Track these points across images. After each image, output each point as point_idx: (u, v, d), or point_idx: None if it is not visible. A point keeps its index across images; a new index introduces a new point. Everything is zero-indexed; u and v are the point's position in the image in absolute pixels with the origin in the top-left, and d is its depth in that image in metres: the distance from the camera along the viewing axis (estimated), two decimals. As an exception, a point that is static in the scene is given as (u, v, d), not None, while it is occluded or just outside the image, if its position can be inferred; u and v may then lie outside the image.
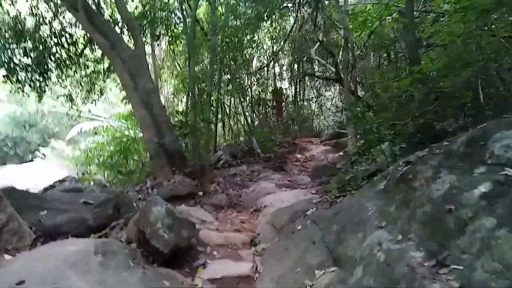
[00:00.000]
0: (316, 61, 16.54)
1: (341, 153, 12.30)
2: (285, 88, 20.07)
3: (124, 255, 3.30)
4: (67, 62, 11.34)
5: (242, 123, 17.65)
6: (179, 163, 7.14)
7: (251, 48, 16.57)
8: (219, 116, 17.18)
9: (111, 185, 7.94)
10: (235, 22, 12.67)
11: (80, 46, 11.34)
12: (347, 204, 3.66)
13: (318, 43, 12.34)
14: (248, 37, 14.77)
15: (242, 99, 14.79)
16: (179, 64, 16.62)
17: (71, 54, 11.27)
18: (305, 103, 18.89)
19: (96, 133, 13.68)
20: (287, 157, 12.48)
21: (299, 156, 13.08)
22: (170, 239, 3.60)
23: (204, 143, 7.10)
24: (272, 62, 15.23)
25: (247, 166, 9.84)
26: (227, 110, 17.64)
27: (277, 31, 18.05)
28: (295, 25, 12.95)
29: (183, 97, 16.03)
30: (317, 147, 14.68)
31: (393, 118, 5.64)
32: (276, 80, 19.68)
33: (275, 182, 7.60)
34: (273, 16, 13.79)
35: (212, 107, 8.65)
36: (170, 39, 11.54)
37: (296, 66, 19.85)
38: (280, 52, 15.22)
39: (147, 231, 3.61)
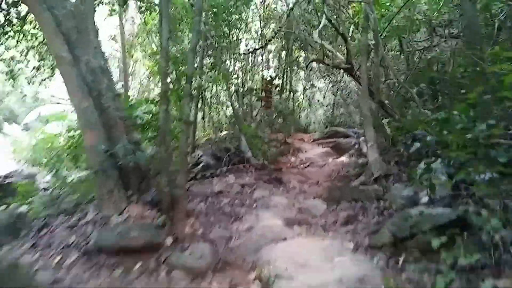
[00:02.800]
0: (314, 47, 13.89)
1: (343, 159, 9.83)
2: (271, 77, 17.40)
3: None
4: (6, 28, 8.29)
5: (226, 114, 14.92)
6: (137, 185, 4.42)
7: (238, 29, 13.78)
8: (199, 105, 14.40)
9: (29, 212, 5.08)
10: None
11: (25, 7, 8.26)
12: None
13: (321, 24, 9.65)
14: (236, 15, 12.01)
15: (227, 87, 11.97)
16: (155, 42, 13.63)
17: (11, 18, 8.22)
18: (293, 95, 16.18)
19: (48, 121, 10.63)
20: (280, 160, 9.87)
21: (293, 159, 10.51)
22: None
23: (180, 156, 4.34)
24: (264, 46, 12.39)
25: (235, 177, 7.17)
26: (209, 99, 14.85)
27: (268, 11, 15.33)
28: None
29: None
30: (312, 147, 12.14)
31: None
32: (263, 68, 16.95)
33: (280, 215, 4.96)
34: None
35: (192, 98, 5.88)
36: (141, 3, 8.57)
37: (284, 53, 17.21)
38: (271, 36, 12.37)
39: None
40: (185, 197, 4.35)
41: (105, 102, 4.52)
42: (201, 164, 8.75)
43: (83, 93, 4.39)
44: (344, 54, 9.17)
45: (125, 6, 9.33)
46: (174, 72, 7.74)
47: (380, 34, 8.03)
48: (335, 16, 9.32)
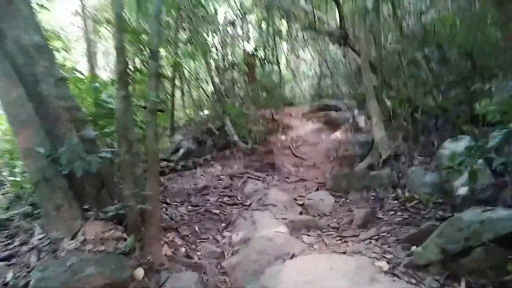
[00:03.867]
0: (298, 16, 12.59)
1: (338, 134, 8.82)
2: (255, 50, 16.06)
3: None
4: None
5: (207, 91, 13.64)
6: (95, 196, 3.30)
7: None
8: (177, 82, 13.06)
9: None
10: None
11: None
12: None
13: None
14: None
15: (206, 62, 10.68)
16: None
17: None
18: (278, 68, 14.93)
19: None
20: (270, 140, 8.81)
21: (283, 138, 9.45)
22: None
23: (149, 156, 3.20)
24: (244, 16, 11.03)
25: (222, 166, 6.10)
26: (188, 75, 13.52)
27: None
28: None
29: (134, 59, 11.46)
30: (302, 122, 11.07)
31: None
32: (244, 40, 15.58)
33: (281, 216, 3.93)
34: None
35: (160, 78, 4.60)
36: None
37: (265, 23, 15.83)
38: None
39: None
40: (158, 207, 3.25)
41: (44, 90, 3.31)
42: (181, 151, 7.65)
43: (11, 79, 3.17)
44: (336, 21, 8.02)
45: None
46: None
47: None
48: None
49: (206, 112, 12.15)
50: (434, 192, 4.05)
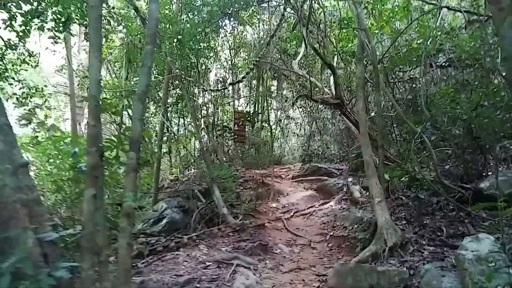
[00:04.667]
0: (289, 77, 12.51)
1: (332, 204, 8.24)
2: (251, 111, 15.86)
3: None
4: None
5: (194, 149, 13.09)
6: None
7: (207, 59, 12.19)
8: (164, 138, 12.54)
9: None
10: (190, 16, 8.24)
11: None
12: None
13: (301, 53, 8.23)
14: (205, 44, 10.46)
15: (195, 122, 10.21)
16: (114, 73, 11.77)
17: None
18: (268, 126, 14.56)
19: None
20: (260, 210, 8.16)
21: (274, 205, 8.83)
22: None
23: (122, 273, 2.49)
24: (240, 80, 10.78)
25: (208, 248, 5.38)
26: (175, 132, 13.04)
27: (239, 39, 13.90)
28: (280, 24, 8.59)
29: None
30: (293, 187, 10.52)
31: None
32: (234, 98, 15.40)
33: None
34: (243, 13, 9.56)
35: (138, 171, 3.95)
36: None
37: (255, 82, 15.78)
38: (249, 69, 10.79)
39: None
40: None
41: (-1, 179, 2.69)
42: (164, 221, 6.92)
43: None
44: (329, 88, 7.75)
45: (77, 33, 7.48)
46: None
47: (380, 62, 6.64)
48: (318, 45, 7.88)
49: (193, 171, 11.54)
50: (457, 304, 3.43)
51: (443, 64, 9.14)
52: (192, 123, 13.15)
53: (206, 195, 7.77)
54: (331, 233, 6.31)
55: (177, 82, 9.11)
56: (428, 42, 7.11)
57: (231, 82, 8.81)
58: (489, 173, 6.73)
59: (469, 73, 8.84)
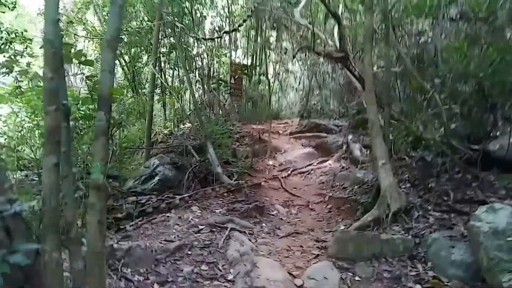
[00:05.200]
0: (289, 28, 11.68)
1: (331, 162, 7.89)
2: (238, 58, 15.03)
3: None
4: None
5: (189, 102, 12.53)
6: None
7: (202, 5, 11.28)
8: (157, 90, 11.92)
9: None
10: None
11: None
12: None
13: (304, 1, 7.45)
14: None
15: (187, 72, 9.52)
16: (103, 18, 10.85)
17: None
18: (266, 80, 13.88)
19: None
20: (257, 168, 7.83)
21: (271, 163, 8.49)
22: None
23: (93, 257, 2.11)
24: (235, 29, 9.97)
25: (201, 210, 5.06)
26: (169, 84, 12.40)
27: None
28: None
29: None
30: (290, 143, 10.14)
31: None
32: (231, 49, 14.55)
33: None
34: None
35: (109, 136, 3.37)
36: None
37: (254, 32, 14.85)
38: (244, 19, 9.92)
39: None
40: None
41: None
42: (156, 178, 6.59)
43: None
44: (333, 40, 7.08)
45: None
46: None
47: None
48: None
49: (188, 124, 11.06)
50: (467, 278, 3.14)
51: (454, 17, 8.43)
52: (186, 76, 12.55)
53: (201, 152, 7.37)
54: (331, 194, 6.00)
55: (169, 30, 8.35)
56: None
57: (226, 30, 7.97)
58: (497, 134, 6.36)
59: (481, 27, 8.17)
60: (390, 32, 6.17)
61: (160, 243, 3.95)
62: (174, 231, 4.35)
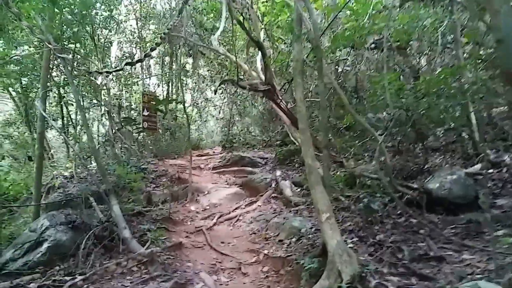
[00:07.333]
0: (205, 55, 10.69)
1: (260, 204, 6.89)
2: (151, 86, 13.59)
3: None
4: None
5: (98, 136, 10.71)
6: None
7: (108, 30, 9.77)
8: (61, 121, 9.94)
9: None
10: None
11: None
12: None
13: (221, 27, 6.53)
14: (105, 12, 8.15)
15: (83, 110, 7.87)
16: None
17: None
18: (184, 108, 12.52)
19: None
20: (176, 219, 6.48)
21: (193, 208, 7.22)
22: None
23: None
24: (148, 54, 8.60)
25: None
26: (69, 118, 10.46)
27: (147, 9, 11.57)
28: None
29: None
30: (214, 181, 8.96)
31: None
32: (144, 77, 13.07)
33: None
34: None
35: None
36: None
37: (168, 59, 13.64)
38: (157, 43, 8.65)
39: None
40: None
41: None
42: (44, 245, 4.91)
43: None
44: (255, 70, 6.21)
45: None
46: None
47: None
48: (242, 17, 6.18)
49: (93, 164, 9.22)
50: None
51: (371, 45, 8.28)
52: (95, 106, 10.73)
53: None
54: (266, 251, 4.93)
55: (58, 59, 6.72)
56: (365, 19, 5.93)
57: (129, 62, 6.59)
58: (429, 167, 6.04)
59: (395, 56, 8.13)
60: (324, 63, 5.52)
61: None
62: None
